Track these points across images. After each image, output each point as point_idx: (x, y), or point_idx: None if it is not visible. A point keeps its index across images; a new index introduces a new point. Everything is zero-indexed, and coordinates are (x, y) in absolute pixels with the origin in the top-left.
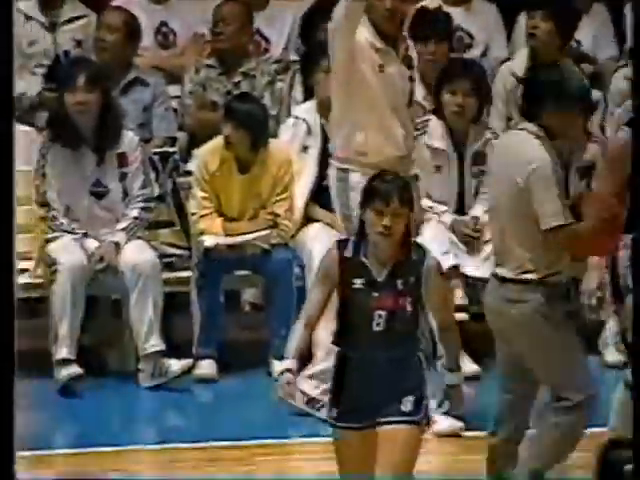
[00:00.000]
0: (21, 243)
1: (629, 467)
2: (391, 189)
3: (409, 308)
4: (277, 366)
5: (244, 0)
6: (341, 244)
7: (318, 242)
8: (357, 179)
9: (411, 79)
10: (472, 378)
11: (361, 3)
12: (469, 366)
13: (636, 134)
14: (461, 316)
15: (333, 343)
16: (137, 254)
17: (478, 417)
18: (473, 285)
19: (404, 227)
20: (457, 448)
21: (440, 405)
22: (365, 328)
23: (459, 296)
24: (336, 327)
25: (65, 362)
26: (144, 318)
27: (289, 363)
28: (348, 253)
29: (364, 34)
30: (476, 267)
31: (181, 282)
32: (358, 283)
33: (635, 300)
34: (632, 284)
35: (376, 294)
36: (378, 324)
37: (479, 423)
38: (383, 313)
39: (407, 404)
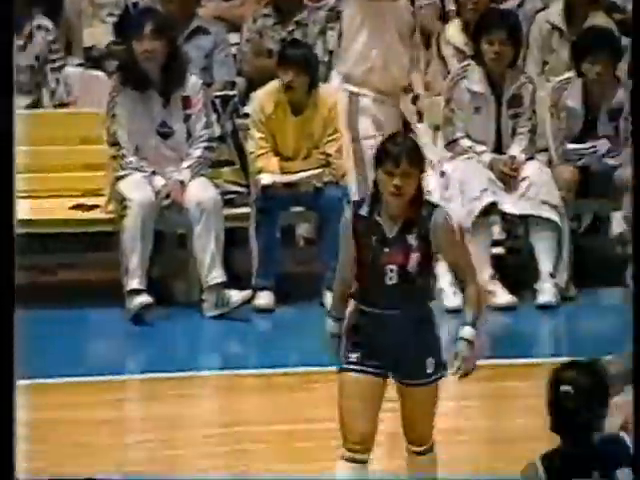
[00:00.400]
0: (92, 181)
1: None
2: (400, 151)
3: (421, 263)
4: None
5: None
6: (356, 203)
7: None
8: (365, 102)
9: (413, 14)
10: (508, 308)
11: None
12: (505, 297)
13: (636, 134)
14: (498, 250)
15: (351, 297)
16: (201, 191)
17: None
18: (510, 221)
19: (415, 186)
20: (492, 373)
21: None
22: (379, 282)
23: (497, 231)
24: (354, 283)
25: (136, 292)
26: (207, 251)
27: (332, 326)
28: (363, 212)
29: None
30: (513, 204)
31: (241, 218)
32: (372, 240)
33: (635, 300)
34: (633, 285)
35: (387, 249)
36: (391, 278)
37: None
38: (395, 267)
39: (430, 366)
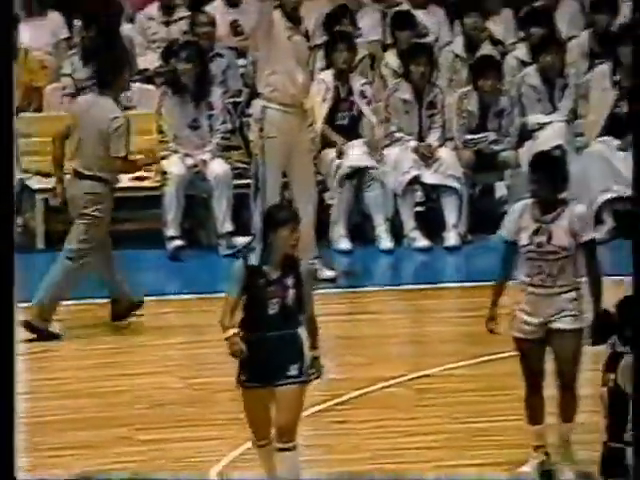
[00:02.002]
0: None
1: None
2: (290, 216)
3: (294, 297)
4: None
5: None
6: (245, 256)
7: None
8: (271, 114)
9: (309, 47)
10: (425, 250)
11: (270, 5)
12: (423, 241)
13: (636, 135)
14: (419, 209)
15: (239, 327)
16: (218, 167)
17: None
18: (428, 188)
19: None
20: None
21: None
22: (264, 313)
23: (419, 196)
24: (243, 315)
25: (172, 238)
26: (221, 210)
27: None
28: (252, 262)
29: (278, 16)
30: (430, 177)
31: (245, 187)
32: (259, 282)
33: (635, 300)
34: (632, 286)
35: (271, 288)
36: (273, 309)
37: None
38: (276, 301)
39: (293, 371)
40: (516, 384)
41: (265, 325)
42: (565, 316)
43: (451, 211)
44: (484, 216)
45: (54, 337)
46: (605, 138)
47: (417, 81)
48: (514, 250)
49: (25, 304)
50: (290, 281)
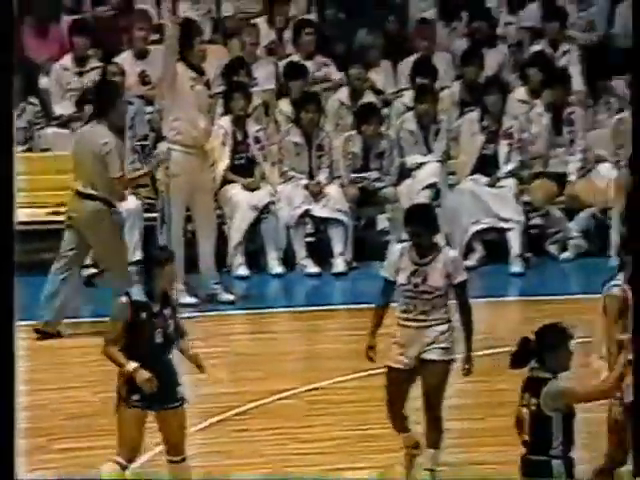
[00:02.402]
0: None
1: None
2: (168, 256)
3: (173, 326)
4: None
5: None
6: (130, 292)
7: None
8: (176, 155)
9: (210, 95)
10: (315, 275)
11: (174, 57)
12: (313, 268)
13: (636, 136)
14: (310, 239)
15: (126, 356)
16: (131, 202)
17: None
18: (318, 221)
19: None
20: (307, 315)
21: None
22: (151, 342)
23: (309, 227)
24: (127, 345)
25: (87, 266)
26: (133, 239)
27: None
28: (136, 297)
29: (182, 67)
30: (319, 210)
31: (153, 219)
32: (143, 315)
33: (635, 301)
34: (631, 289)
35: (155, 320)
36: (158, 338)
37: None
38: (159, 331)
39: (179, 393)
40: None
41: (153, 353)
42: (436, 348)
43: (338, 241)
44: (367, 245)
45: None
46: (474, 176)
47: (307, 126)
48: (392, 288)
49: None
50: (168, 312)
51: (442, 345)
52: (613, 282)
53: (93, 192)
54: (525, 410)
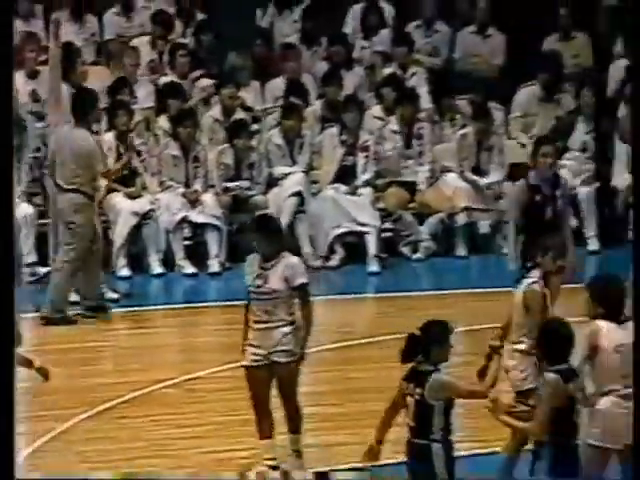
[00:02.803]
0: None
1: None
2: None
3: None
4: None
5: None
6: None
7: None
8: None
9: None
10: (192, 275)
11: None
12: (190, 269)
13: (635, 138)
14: (188, 242)
15: None
16: (26, 209)
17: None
18: (195, 226)
19: None
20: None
21: None
22: None
23: (187, 232)
24: None
25: None
26: (28, 243)
27: None
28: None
29: (65, 87)
30: (196, 216)
31: (45, 225)
32: None
33: (635, 303)
34: (632, 287)
35: None
36: None
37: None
38: None
39: None
40: None
41: None
42: (280, 351)
43: (213, 244)
44: (240, 248)
45: (72, 322)
46: (335, 185)
47: (184, 140)
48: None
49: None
50: None
51: (285, 347)
52: (530, 279)
53: (75, 187)
54: (410, 399)
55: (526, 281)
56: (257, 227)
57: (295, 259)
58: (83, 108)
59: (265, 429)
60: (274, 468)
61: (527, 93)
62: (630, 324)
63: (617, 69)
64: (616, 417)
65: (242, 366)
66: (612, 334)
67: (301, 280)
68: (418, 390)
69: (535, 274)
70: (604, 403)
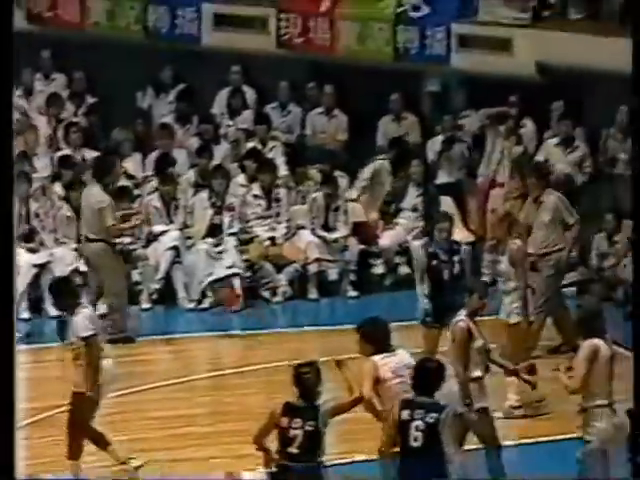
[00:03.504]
0: None
1: None
2: None
3: None
4: None
5: None
6: None
7: None
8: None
9: None
10: None
11: None
12: None
13: (636, 139)
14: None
15: None
16: None
17: None
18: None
19: None
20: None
21: None
22: None
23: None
24: None
25: None
26: None
27: None
28: None
29: None
30: (84, 265)
31: None
32: None
33: (634, 303)
34: (632, 286)
35: None
36: None
37: None
38: None
39: None
40: None
41: None
42: None
43: None
44: None
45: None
46: (207, 240)
47: (75, 203)
48: None
49: None
50: None
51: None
52: (458, 317)
53: (95, 237)
54: (294, 431)
55: (454, 319)
56: (51, 290)
57: (90, 311)
58: (102, 171)
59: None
60: None
61: (375, 166)
62: (400, 350)
63: (434, 143)
64: None
65: None
66: (386, 365)
67: (87, 332)
68: (310, 422)
69: (462, 313)
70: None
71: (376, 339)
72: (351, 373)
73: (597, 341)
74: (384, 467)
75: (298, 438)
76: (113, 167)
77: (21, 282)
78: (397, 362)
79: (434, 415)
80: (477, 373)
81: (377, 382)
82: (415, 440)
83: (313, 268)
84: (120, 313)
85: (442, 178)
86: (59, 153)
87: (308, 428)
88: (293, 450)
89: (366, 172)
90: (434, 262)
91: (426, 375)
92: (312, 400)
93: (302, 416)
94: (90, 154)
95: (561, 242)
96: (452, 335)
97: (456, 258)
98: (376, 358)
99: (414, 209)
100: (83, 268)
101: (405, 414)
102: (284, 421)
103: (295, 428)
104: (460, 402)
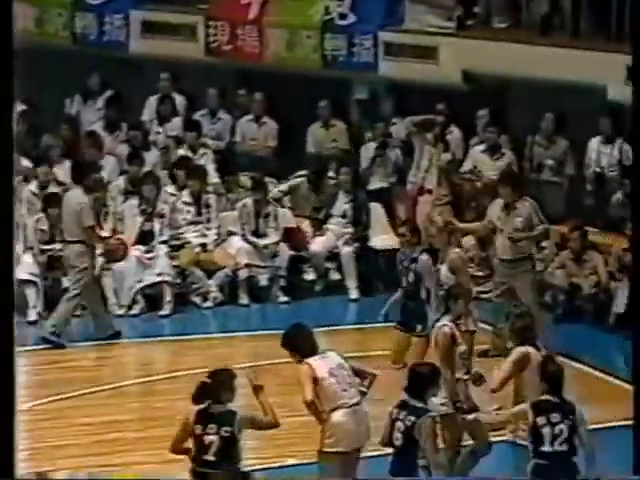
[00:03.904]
0: None
1: None
2: None
3: None
4: None
5: None
6: None
7: None
8: None
9: None
10: None
11: None
12: None
13: (636, 136)
14: None
15: None
16: None
17: None
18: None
19: None
20: None
21: None
22: None
23: None
24: None
25: None
26: None
27: None
28: None
29: None
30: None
31: None
32: None
33: (632, 304)
34: (630, 285)
35: None
36: None
37: None
38: None
39: None
40: None
41: None
42: None
43: (31, 297)
44: (55, 300)
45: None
46: (137, 246)
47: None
48: None
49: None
50: None
51: None
52: (442, 322)
53: (74, 238)
54: (211, 437)
55: (437, 324)
56: None
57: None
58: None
59: None
60: None
61: (292, 183)
62: (329, 353)
63: (368, 149)
64: (348, 424)
65: None
66: (320, 365)
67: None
68: (226, 428)
69: (446, 318)
70: (336, 416)
71: (300, 346)
72: (266, 398)
73: (528, 348)
74: (322, 470)
75: (214, 444)
76: (91, 169)
77: None
78: (330, 363)
79: (411, 419)
80: (461, 376)
81: (315, 382)
82: (397, 439)
83: (243, 274)
84: (99, 316)
85: (375, 184)
86: None
87: (224, 434)
88: (209, 457)
89: (283, 186)
90: (399, 268)
91: (417, 379)
92: (222, 405)
93: (217, 422)
94: (22, 162)
95: (530, 249)
96: (435, 340)
97: (413, 266)
98: (310, 360)
99: (343, 215)
100: (18, 276)
101: (394, 413)
102: (198, 428)
103: (210, 434)
104: (449, 405)
